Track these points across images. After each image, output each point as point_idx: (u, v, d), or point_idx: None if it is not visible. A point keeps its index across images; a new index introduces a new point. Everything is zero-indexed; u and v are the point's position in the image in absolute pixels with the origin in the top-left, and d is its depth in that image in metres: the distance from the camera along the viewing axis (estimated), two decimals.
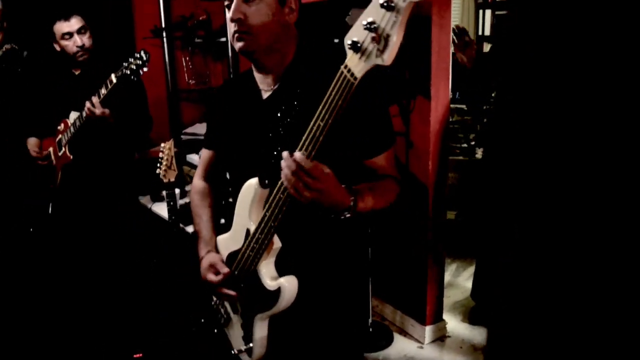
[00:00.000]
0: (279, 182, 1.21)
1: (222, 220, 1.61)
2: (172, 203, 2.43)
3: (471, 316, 3.14)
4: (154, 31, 3.76)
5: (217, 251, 1.54)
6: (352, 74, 1.02)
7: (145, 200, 3.18)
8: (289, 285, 1.34)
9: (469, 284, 3.36)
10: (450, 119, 4.33)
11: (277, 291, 1.34)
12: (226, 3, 1.34)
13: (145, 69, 2.39)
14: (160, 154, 2.42)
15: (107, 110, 2.40)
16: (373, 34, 0.96)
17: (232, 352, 1.55)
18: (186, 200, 3.09)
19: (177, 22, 3.87)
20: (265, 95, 1.45)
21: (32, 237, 2.65)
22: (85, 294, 2.72)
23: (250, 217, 1.36)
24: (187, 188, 3.31)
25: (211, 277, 1.48)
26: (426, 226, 2.80)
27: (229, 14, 1.33)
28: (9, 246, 2.81)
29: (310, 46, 1.45)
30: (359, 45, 0.99)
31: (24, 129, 2.78)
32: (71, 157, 2.62)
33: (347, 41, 1.01)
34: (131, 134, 2.75)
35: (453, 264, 3.73)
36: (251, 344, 1.47)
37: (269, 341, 1.46)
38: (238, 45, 1.35)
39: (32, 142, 2.76)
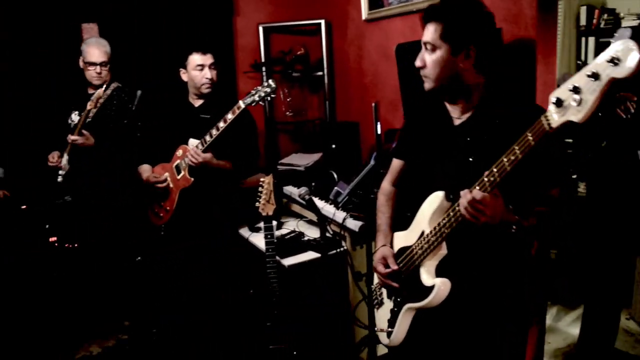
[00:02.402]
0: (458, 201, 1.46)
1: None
2: (269, 236, 2.50)
3: None
4: (254, 65, 3.93)
5: (392, 245, 1.82)
6: (549, 124, 1.23)
7: (242, 229, 3.29)
8: (442, 286, 1.57)
9: (571, 330, 3.17)
10: None
11: (431, 288, 1.58)
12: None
13: (273, 96, 2.64)
14: (260, 188, 2.51)
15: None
16: (575, 96, 1.16)
17: (374, 330, 1.80)
18: (282, 232, 3.17)
19: (276, 57, 4.04)
20: (456, 122, 1.67)
21: (139, 265, 2.79)
22: (185, 323, 2.86)
23: (429, 221, 1.63)
24: (283, 220, 3.39)
25: (380, 268, 1.78)
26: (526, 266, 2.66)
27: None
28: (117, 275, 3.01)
29: (500, 86, 1.63)
30: (561, 102, 1.19)
31: (139, 158, 2.99)
32: (192, 179, 2.79)
33: (552, 98, 1.21)
34: (245, 163, 2.96)
35: (553, 307, 3.52)
36: (392, 329, 1.75)
37: (408, 333, 1.71)
38: (424, 85, 1.64)
39: (145, 168, 2.95)
